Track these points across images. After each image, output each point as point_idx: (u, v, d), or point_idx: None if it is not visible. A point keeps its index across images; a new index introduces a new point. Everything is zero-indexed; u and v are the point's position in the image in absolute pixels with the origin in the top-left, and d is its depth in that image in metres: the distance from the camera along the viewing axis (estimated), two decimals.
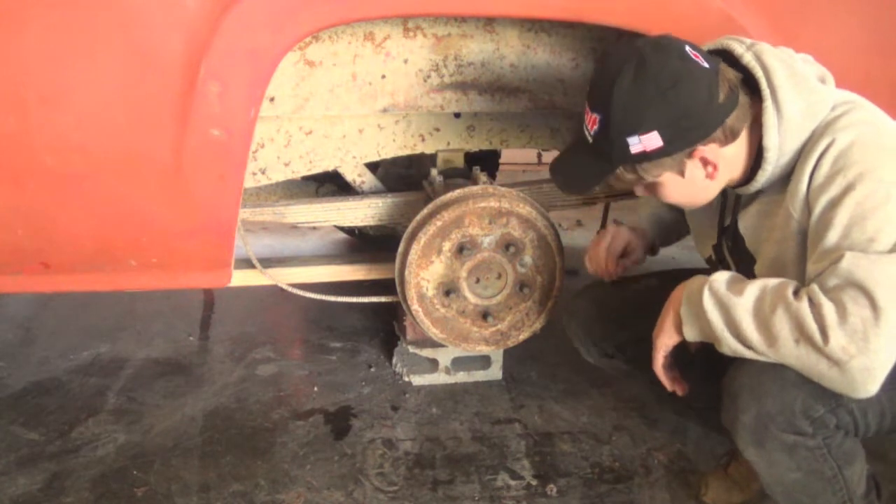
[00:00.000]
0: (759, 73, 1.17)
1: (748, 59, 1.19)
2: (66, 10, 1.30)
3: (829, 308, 1.07)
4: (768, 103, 1.17)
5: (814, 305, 1.08)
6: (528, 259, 1.78)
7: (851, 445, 1.22)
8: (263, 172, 1.76)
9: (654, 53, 1.14)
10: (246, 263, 1.79)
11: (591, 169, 1.26)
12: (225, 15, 1.33)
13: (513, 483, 1.69)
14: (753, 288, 1.15)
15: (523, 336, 1.86)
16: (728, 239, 1.38)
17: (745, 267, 1.34)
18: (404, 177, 2.06)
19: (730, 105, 1.16)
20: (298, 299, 1.88)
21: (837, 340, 1.06)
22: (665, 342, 1.30)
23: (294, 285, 1.84)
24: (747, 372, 1.18)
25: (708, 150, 1.18)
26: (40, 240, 1.50)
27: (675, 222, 1.67)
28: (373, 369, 2.13)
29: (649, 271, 1.67)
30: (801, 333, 1.09)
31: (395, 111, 1.73)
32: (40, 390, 2.00)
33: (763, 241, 1.28)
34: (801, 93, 1.17)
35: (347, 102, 1.69)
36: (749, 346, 1.15)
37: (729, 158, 1.21)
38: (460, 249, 1.73)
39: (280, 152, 1.75)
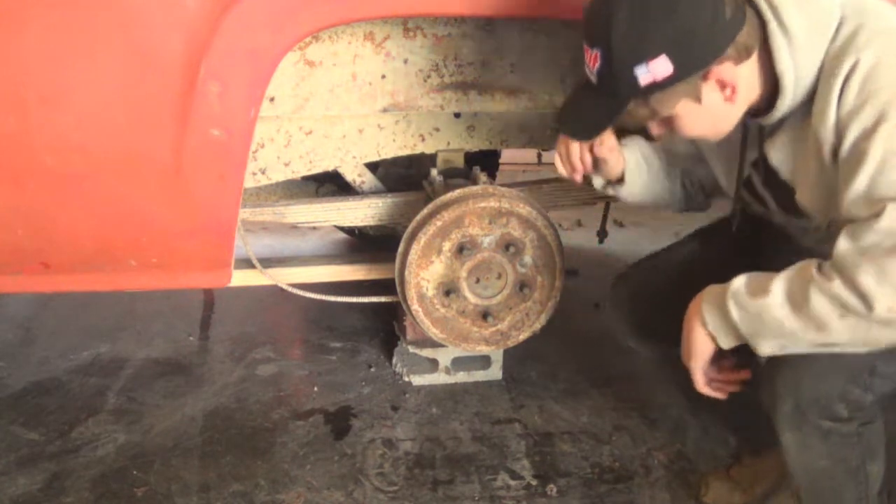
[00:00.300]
0: None
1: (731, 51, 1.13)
2: (66, 10, 1.30)
3: (864, 273, 1.02)
4: (773, 25, 1.11)
5: (846, 277, 1.03)
6: (528, 259, 1.78)
7: (878, 441, 1.23)
8: (263, 172, 1.76)
9: None
10: (246, 263, 1.79)
11: (600, 110, 1.18)
12: (225, 15, 1.33)
13: (513, 483, 1.69)
14: (778, 283, 1.11)
15: (523, 336, 1.86)
16: (760, 173, 1.31)
17: (784, 198, 1.29)
18: (404, 177, 2.06)
19: (738, 21, 1.09)
20: (298, 299, 1.88)
21: (881, 303, 1.01)
22: (699, 363, 1.26)
23: (294, 285, 1.84)
24: (785, 362, 1.17)
25: (723, 69, 1.11)
26: (40, 240, 1.50)
27: (658, 168, 1.54)
28: (373, 369, 2.13)
29: (682, 237, 1.62)
30: (844, 308, 1.04)
31: (395, 111, 1.73)
32: (40, 390, 2.00)
33: (799, 169, 1.22)
34: (804, 7, 1.11)
35: (347, 102, 1.69)
36: (795, 340, 1.11)
37: (747, 77, 1.14)
38: (460, 249, 1.73)
39: (280, 152, 1.75)
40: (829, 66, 1.11)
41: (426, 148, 1.85)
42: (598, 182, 1.55)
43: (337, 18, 1.41)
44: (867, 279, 1.02)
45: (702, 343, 1.22)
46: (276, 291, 1.91)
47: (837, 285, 1.04)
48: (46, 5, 1.29)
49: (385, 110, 1.72)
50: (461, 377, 2.07)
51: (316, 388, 2.04)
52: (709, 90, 1.14)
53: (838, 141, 1.10)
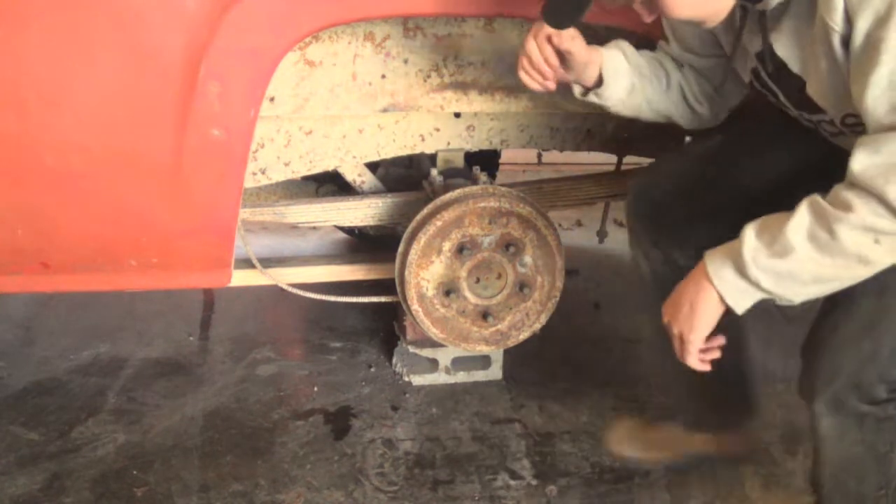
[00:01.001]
0: None
1: None
2: (66, 10, 1.30)
3: (892, 189, 0.96)
4: None
5: (873, 195, 0.97)
6: (528, 259, 1.78)
7: None
8: (263, 172, 1.76)
9: None
10: (246, 263, 1.79)
11: None
12: (225, 15, 1.33)
13: (513, 483, 1.69)
14: (797, 234, 1.03)
15: (523, 336, 1.86)
16: (766, 66, 1.23)
17: (794, 92, 1.22)
18: (404, 177, 2.06)
19: None
20: (298, 299, 1.88)
21: None
22: (701, 334, 1.16)
23: (294, 285, 1.84)
24: (822, 348, 1.17)
25: None
26: (40, 240, 1.50)
27: (650, 73, 1.43)
28: (373, 369, 2.13)
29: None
30: (877, 232, 0.98)
31: (395, 111, 1.73)
32: (40, 390, 2.00)
33: (808, 61, 1.15)
34: None
35: (347, 102, 1.69)
36: (839, 282, 1.06)
37: None
38: (460, 249, 1.73)
39: (280, 152, 1.75)
40: None
41: (426, 148, 1.85)
42: (577, 90, 1.44)
43: (337, 18, 1.41)
44: (892, 190, 0.95)
45: (711, 311, 1.14)
46: (276, 291, 1.91)
47: (862, 210, 0.98)
48: (46, 5, 1.29)
49: (385, 110, 1.72)
50: (461, 377, 2.07)
51: (316, 388, 2.04)
52: None
53: (849, 29, 1.02)
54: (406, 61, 1.68)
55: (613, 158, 2.09)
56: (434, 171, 1.85)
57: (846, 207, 1.00)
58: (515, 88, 1.76)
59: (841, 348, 1.17)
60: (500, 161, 2.69)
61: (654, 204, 1.45)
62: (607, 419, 1.69)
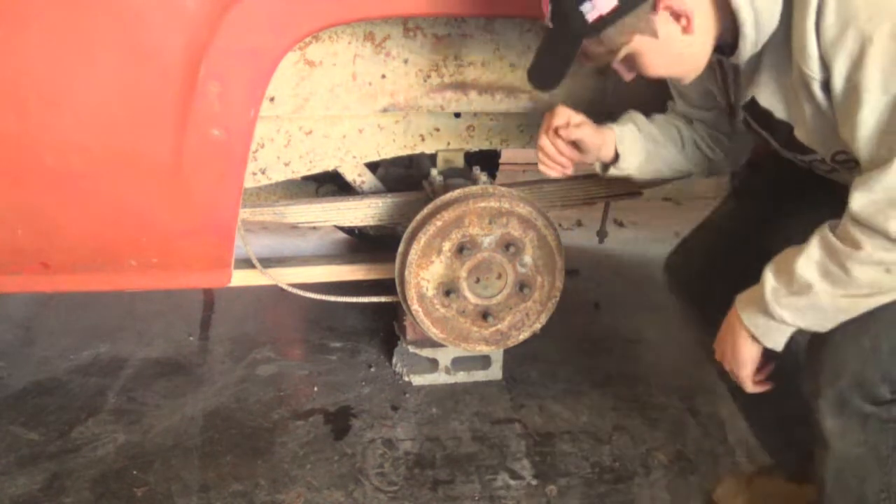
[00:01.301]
0: None
1: None
2: (66, 10, 1.30)
3: (893, 223, 1.00)
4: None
5: (875, 232, 1.02)
6: (528, 259, 1.78)
7: None
8: (263, 172, 1.76)
9: None
10: (246, 263, 1.79)
11: (557, 55, 1.18)
12: (225, 15, 1.33)
13: (513, 483, 1.69)
14: (810, 269, 1.09)
15: (523, 336, 1.86)
16: (754, 117, 1.29)
17: (784, 137, 1.27)
18: (404, 177, 2.06)
19: None
20: (298, 299, 1.88)
21: None
22: (749, 370, 1.25)
23: (294, 285, 1.84)
24: (825, 347, 1.17)
25: None
26: (40, 240, 1.50)
27: (660, 134, 1.50)
28: (373, 369, 2.13)
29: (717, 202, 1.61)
30: (887, 264, 1.03)
31: (395, 111, 1.73)
32: (40, 390, 2.00)
33: (791, 107, 1.20)
34: None
35: (347, 102, 1.69)
36: (858, 310, 1.11)
37: (701, 9, 1.12)
38: (460, 249, 1.73)
39: (280, 152, 1.75)
40: (798, 1, 1.07)
41: (426, 148, 1.85)
42: (597, 167, 1.53)
43: (337, 18, 1.41)
44: (893, 224, 1.00)
45: (749, 351, 1.22)
46: (276, 291, 1.91)
47: (869, 247, 1.03)
48: (46, 5, 1.29)
49: (385, 110, 1.72)
50: (461, 377, 2.07)
51: (316, 388, 2.04)
52: (663, 22, 1.12)
53: (826, 74, 1.07)
54: (406, 61, 1.68)
55: None
56: (434, 171, 1.85)
57: (855, 245, 1.04)
58: (515, 88, 1.76)
59: (842, 346, 1.16)
60: (500, 161, 2.70)
61: (688, 285, 1.53)
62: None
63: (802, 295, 1.11)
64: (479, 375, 2.08)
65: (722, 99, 1.37)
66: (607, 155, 1.48)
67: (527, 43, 1.71)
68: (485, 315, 1.80)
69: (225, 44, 1.34)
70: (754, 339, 1.20)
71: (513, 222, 1.73)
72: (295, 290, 1.83)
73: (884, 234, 1.02)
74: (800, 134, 1.22)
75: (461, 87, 1.73)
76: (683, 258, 1.56)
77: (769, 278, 1.15)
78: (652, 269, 1.67)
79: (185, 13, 1.33)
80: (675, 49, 1.15)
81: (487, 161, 2.27)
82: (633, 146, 1.47)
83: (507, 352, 2.05)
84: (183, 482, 1.67)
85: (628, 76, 1.22)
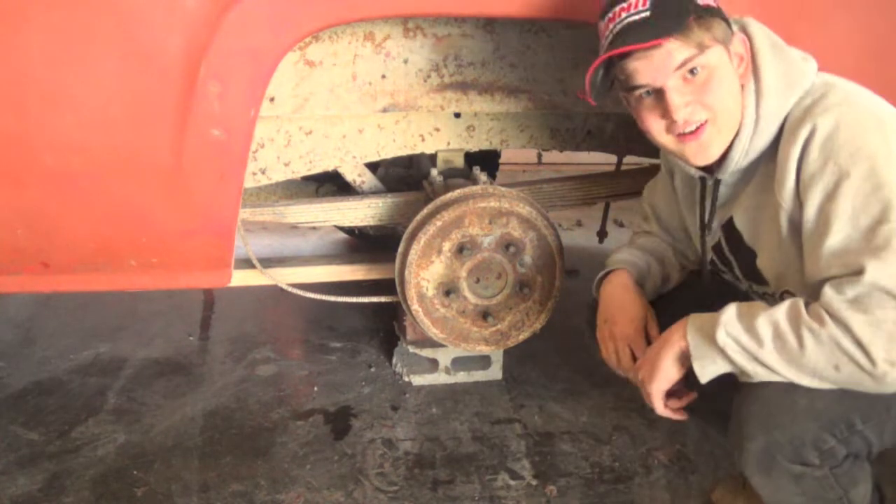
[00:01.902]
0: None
1: (733, 27, 1.19)
2: (66, 10, 1.30)
3: (857, 321, 1.03)
4: (748, 68, 1.18)
5: (841, 325, 1.04)
6: (528, 259, 1.78)
7: (857, 468, 1.19)
8: (263, 172, 1.76)
9: None
10: (246, 263, 1.79)
11: (667, 23, 1.12)
12: (225, 15, 1.33)
13: (513, 483, 1.69)
14: (765, 328, 1.09)
15: (523, 336, 1.86)
16: (728, 239, 1.35)
17: (746, 264, 1.32)
18: (404, 177, 2.06)
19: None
20: (298, 299, 1.88)
21: (880, 355, 1.02)
22: (661, 387, 1.22)
23: (294, 285, 1.84)
24: (757, 399, 1.14)
25: (737, 43, 1.18)
26: (40, 240, 1.50)
27: (664, 260, 1.52)
28: (373, 369, 2.13)
29: None
30: (842, 358, 1.04)
31: (395, 111, 1.73)
32: (40, 390, 2.00)
33: (760, 233, 1.26)
34: (780, 61, 1.18)
35: (347, 102, 1.69)
36: (787, 380, 1.11)
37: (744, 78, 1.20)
38: (460, 249, 1.73)
39: (280, 152, 1.75)
40: (789, 131, 1.15)
41: (426, 148, 1.85)
42: None
43: (337, 18, 1.41)
44: (863, 328, 1.03)
45: (671, 369, 1.20)
46: (276, 291, 1.91)
47: (835, 331, 1.04)
48: (46, 5, 1.29)
49: (385, 110, 1.72)
50: (461, 377, 2.07)
51: (316, 388, 2.04)
52: (734, 49, 1.18)
53: (799, 207, 1.13)
54: (406, 61, 1.68)
55: (613, 158, 2.10)
56: (434, 171, 1.85)
57: (821, 321, 1.06)
58: (515, 88, 1.76)
59: (774, 403, 1.13)
60: (500, 161, 2.70)
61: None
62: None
63: (752, 341, 1.10)
64: (479, 375, 2.08)
65: (695, 218, 1.40)
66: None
67: (527, 43, 1.71)
68: (485, 315, 1.80)
69: (225, 44, 1.34)
70: (685, 357, 1.17)
71: (513, 222, 1.73)
72: (295, 290, 1.83)
73: (846, 328, 1.03)
74: (762, 263, 1.28)
75: (461, 87, 1.73)
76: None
77: (731, 310, 1.14)
78: None
79: (185, 13, 1.32)
80: (734, 83, 1.18)
81: (487, 161, 2.27)
82: (652, 283, 1.49)
83: (507, 352, 2.05)
84: (183, 482, 1.67)
85: (680, 99, 1.16)
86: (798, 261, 1.18)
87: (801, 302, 1.11)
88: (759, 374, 1.12)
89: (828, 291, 1.07)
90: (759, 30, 1.20)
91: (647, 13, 1.14)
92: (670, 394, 1.25)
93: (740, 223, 1.30)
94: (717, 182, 1.29)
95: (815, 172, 1.10)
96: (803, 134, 1.12)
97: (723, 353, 1.13)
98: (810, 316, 1.07)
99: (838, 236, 1.08)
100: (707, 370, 1.16)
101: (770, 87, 1.17)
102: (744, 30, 1.20)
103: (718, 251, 1.40)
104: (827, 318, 1.05)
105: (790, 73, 1.18)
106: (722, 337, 1.12)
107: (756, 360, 1.10)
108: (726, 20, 1.17)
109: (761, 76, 1.17)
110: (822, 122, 1.10)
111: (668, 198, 1.52)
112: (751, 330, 1.10)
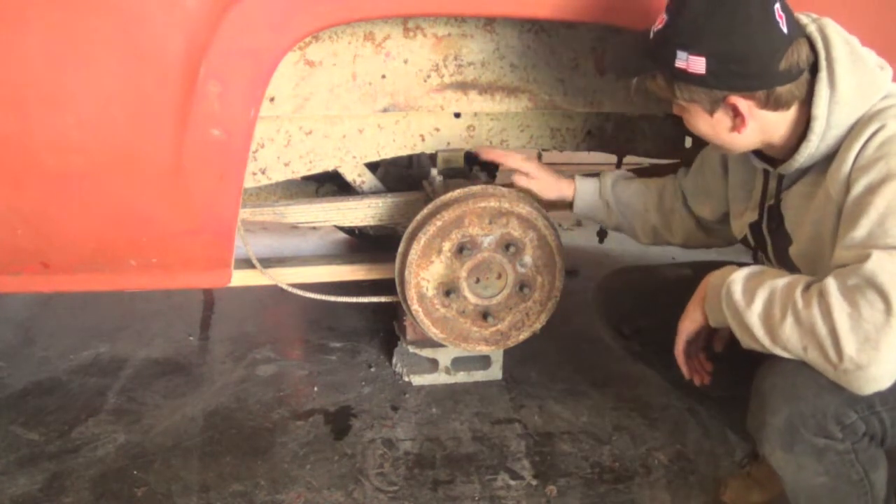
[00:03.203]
0: (819, 45, 1.18)
1: (811, 29, 1.20)
2: (66, 11, 1.30)
3: (840, 311, 1.05)
4: (823, 74, 1.17)
5: (824, 310, 1.07)
6: (528, 259, 1.78)
7: (876, 451, 1.20)
8: (263, 172, 1.76)
9: None
10: (246, 263, 1.79)
11: (637, 61, 1.27)
12: (225, 15, 1.33)
13: (513, 483, 1.69)
14: (763, 292, 1.15)
15: (523, 336, 1.86)
16: (772, 220, 1.36)
17: (781, 247, 1.34)
18: (404, 177, 2.06)
19: (787, 76, 1.17)
20: (298, 299, 1.88)
21: (849, 352, 1.04)
22: (687, 327, 1.32)
23: (294, 285, 1.84)
24: (780, 372, 1.16)
25: (743, 103, 1.19)
26: (40, 240, 1.50)
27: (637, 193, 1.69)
28: (373, 369, 2.13)
29: (684, 261, 1.67)
30: (812, 342, 1.08)
31: (395, 111, 1.73)
32: (40, 390, 2.00)
33: (802, 222, 1.28)
34: (857, 71, 1.17)
35: (347, 102, 1.69)
36: (763, 347, 1.16)
37: (767, 122, 1.22)
38: (460, 249, 1.73)
39: (280, 152, 1.75)
40: (857, 129, 1.16)
41: (426, 148, 1.85)
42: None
43: (337, 18, 1.41)
44: (843, 319, 1.05)
45: (696, 312, 1.30)
46: (276, 291, 1.91)
47: (815, 315, 1.08)
48: (46, 5, 1.29)
49: (385, 110, 1.72)
50: (461, 377, 2.07)
51: (316, 388, 2.04)
52: (723, 112, 1.22)
53: (845, 195, 1.15)
54: (406, 61, 1.68)
55: (613, 158, 2.09)
56: (434, 171, 1.85)
57: (809, 302, 1.09)
58: (515, 88, 1.76)
59: (798, 377, 1.14)
60: None
61: (612, 304, 1.66)
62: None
63: (744, 300, 1.17)
64: (479, 375, 2.08)
65: (748, 202, 1.44)
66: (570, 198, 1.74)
67: (527, 43, 1.71)
68: (485, 315, 1.80)
69: (225, 44, 1.34)
70: (702, 305, 1.28)
71: (513, 222, 1.73)
72: (295, 290, 1.83)
73: (828, 315, 1.06)
74: (793, 251, 1.31)
75: (461, 87, 1.73)
76: (613, 297, 1.65)
77: (746, 270, 1.22)
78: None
79: (185, 13, 1.32)
80: (718, 133, 1.26)
81: (487, 161, 2.27)
82: (585, 199, 1.73)
83: (507, 352, 2.05)
84: (183, 482, 1.67)
85: (676, 111, 1.30)
86: (828, 258, 1.18)
87: (805, 279, 1.13)
88: (743, 337, 1.19)
89: (831, 276, 1.10)
90: (836, 35, 1.19)
91: (651, 35, 1.25)
92: (694, 350, 1.36)
93: (787, 208, 1.31)
94: (781, 177, 1.31)
95: (866, 165, 1.12)
96: (869, 132, 1.14)
97: (721, 304, 1.21)
98: (804, 294, 1.11)
99: (862, 231, 1.10)
100: (713, 316, 1.26)
101: (845, 97, 1.17)
102: (821, 31, 1.19)
103: (756, 228, 1.41)
104: (815, 300, 1.08)
105: (865, 83, 1.18)
106: (724, 290, 1.20)
107: (741, 318, 1.17)
108: (714, 88, 1.19)
109: (837, 86, 1.17)
110: (892, 124, 1.13)
111: (716, 175, 1.55)
112: (749, 291, 1.17)
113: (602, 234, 2.28)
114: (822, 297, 1.08)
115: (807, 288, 1.12)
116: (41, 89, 1.34)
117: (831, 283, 1.08)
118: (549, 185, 1.74)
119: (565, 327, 2.26)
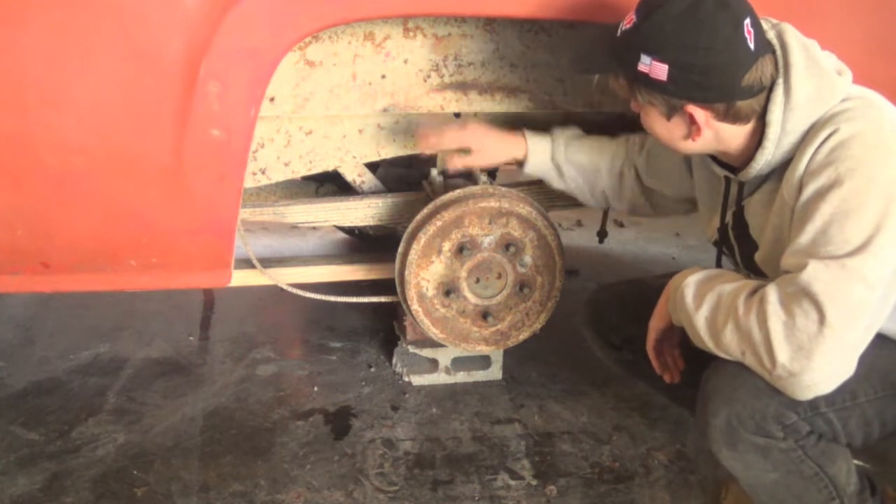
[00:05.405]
0: (777, 51, 1.18)
1: (771, 35, 1.20)
2: (66, 10, 1.30)
3: (776, 319, 1.08)
4: (780, 80, 1.18)
5: (761, 317, 1.09)
6: (528, 259, 1.78)
7: (828, 446, 1.21)
8: (263, 172, 1.76)
9: (715, 6, 1.14)
10: (246, 263, 1.79)
11: (601, 58, 1.28)
12: (225, 15, 1.33)
13: (513, 483, 1.69)
14: (711, 297, 1.18)
15: (523, 336, 1.86)
16: (735, 226, 1.38)
17: (747, 253, 1.36)
18: (404, 177, 2.06)
19: (748, 92, 1.17)
20: (298, 299, 1.88)
21: (782, 359, 1.07)
22: (655, 325, 1.34)
23: (294, 285, 1.84)
24: (722, 375, 1.19)
25: (701, 113, 1.19)
26: (40, 240, 1.50)
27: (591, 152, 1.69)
28: (373, 369, 2.13)
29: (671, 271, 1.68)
30: (749, 348, 1.11)
31: (395, 111, 1.73)
32: (40, 390, 2.00)
33: (764, 228, 1.29)
34: (813, 77, 1.17)
35: (347, 102, 1.69)
36: (710, 349, 1.19)
37: (723, 133, 1.22)
38: (460, 249, 1.73)
39: (280, 152, 1.75)
40: (811, 134, 1.16)
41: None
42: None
43: (337, 18, 1.41)
44: (777, 328, 1.07)
45: (662, 314, 1.32)
46: (276, 291, 1.91)
47: (752, 323, 1.10)
48: (46, 5, 1.29)
49: (385, 110, 1.72)
50: (461, 377, 2.07)
51: (316, 388, 2.04)
52: (679, 119, 1.22)
53: (796, 199, 1.16)
54: (406, 61, 1.68)
55: None
56: (434, 171, 1.85)
57: (749, 309, 1.12)
58: (515, 88, 1.76)
59: (738, 378, 1.16)
60: None
61: (601, 317, 1.66)
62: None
63: (694, 304, 1.20)
64: (479, 375, 2.08)
65: (713, 205, 1.45)
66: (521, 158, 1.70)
67: (527, 43, 1.71)
68: (485, 315, 1.80)
69: (225, 44, 1.34)
70: (666, 305, 1.30)
71: (513, 222, 1.73)
72: (295, 290, 1.83)
73: (763, 323, 1.09)
74: (758, 257, 1.33)
75: (461, 87, 1.73)
76: (601, 310, 1.65)
77: (703, 273, 1.25)
78: (652, 269, 1.68)
79: (185, 13, 1.32)
80: (673, 137, 1.27)
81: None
82: (537, 162, 1.69)
83: (507, 352, 2.05)
84: (183, 482, 1.67)
85: (634, 108, 1.31)
86: None
87: (753, 285, 1.15)
88: (694, 339, 1.22)
89: (773, 283, 1.12)
90: (794, 40, 1.19)
91: (619, 34, 1.24)
92: (666, 347, 1.38)
93: (749, 215, 1.33)
94: (742, 185, 1.32)
95: (816, 170, 1.13)
96: (822, 136, 1.14)
97: (676, 305, 1.25)
98: (747, 301, 1.13)
99: (807, 237, 1.11)
100: (674, 316, 1.28)
101: (800, 103, 1.17)
102: (780, 37, 1.19)
103: (724, 233, 1.42)
104: (755, 307, 1.11)
105: (822, 88, 1.17)
106: (679, 292, 1.24)
107: (690, 321, 1.20)
108: (673, 96, 1.19)
109: (792, 93, 1.17)
110: (844, 128, 1.12)
111: (677, 164, 1.57)
112: (700, 295, 1.20)
113: (602, 234, 2.27)
114: (762, 304, 1.10)
115: (752, 294, 1.14)
116: (41, 89, 1.34)
117: (772, 291, 1.10)
118: (497, 152, 1.69)
119: (565, 327, 2.25)
